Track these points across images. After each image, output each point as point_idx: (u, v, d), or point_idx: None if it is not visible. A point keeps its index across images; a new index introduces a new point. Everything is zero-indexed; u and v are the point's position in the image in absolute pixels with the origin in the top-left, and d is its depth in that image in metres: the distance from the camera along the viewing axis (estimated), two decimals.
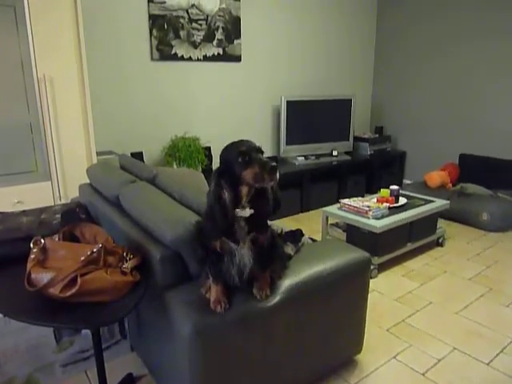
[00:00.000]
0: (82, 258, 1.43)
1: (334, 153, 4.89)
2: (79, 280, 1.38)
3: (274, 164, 1.34)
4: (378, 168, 5.12)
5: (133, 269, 1.56)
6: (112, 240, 1.62)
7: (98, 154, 3.27)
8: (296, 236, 1.96)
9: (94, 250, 1.46)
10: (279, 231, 1.81)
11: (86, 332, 2.13)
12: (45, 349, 2.12)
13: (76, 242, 1.64)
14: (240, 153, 1.37)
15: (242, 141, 1.43)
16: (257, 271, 1.55)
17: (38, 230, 2.18)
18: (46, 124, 2.87)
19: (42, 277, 1.41)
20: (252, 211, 1.43)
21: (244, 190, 1.42)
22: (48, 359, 2.07)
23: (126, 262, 1.56)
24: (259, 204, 1.44)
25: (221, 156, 1.45)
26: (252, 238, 1.48)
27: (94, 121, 3.21)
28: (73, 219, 2.14)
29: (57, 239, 1.59)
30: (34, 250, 1.50)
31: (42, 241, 1.52)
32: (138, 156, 3.64)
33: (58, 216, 2.37)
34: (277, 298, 1.60)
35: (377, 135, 5.35)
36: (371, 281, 2.92)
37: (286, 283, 1.66)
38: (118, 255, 1.56)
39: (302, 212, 4.50)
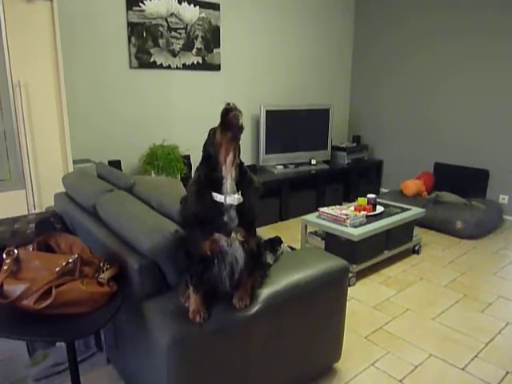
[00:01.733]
0: (57, 269, 1.40)
1: (313, 161, 4.94)
2: (54, 291, 1.35)
3: (231, 104, 1.34)
4: (355, 176, 5.19)
5: (110, 279, 1.54)
6: (88, 250, 1.59)
7: (75, 162, 3.22)
8: (274, 244, 1.97)
9: (70, 260, 1.43)
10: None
11: (61, 344, 2.07)
12: (17, 363, 2.05)
13: (51, 253, 1.60)
14: (210, 130, 1.42)
15: None
16: (243, 275, 1.55)
17: (11, 241, 2.13)
18: (20, 131, 2.81)
19: (14, 288, 1.37)
20: (241, 198, 1.43)
21: (224, 158, 1.39)
22: (21, 373, 2.00)
23: (103, 272, 1.54)
24: (245, 192, 1.45)
25: (202, 151, 1.47)
26: (243, 237, 1.47)
27: (71, 128, 3.17)
28: (47, 229, 2.10)
29: (31, 249, 1.55)
30: (7, 261, 1.46)
31: (16, 251, 1.48)
32: (116, 164, 3.60)
33: (32, 226, 2.32)
34: (256, 308, 1.59)
35: (354, 144, 5.44)
36: (349, 289, 2.95)
37: (265, 292, 1.66)
38: (95, 265, 1.53)
39: (281, 220, 4.52)
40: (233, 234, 1.45)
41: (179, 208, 1.56)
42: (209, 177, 1.42)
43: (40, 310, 1.34)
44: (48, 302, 1.34)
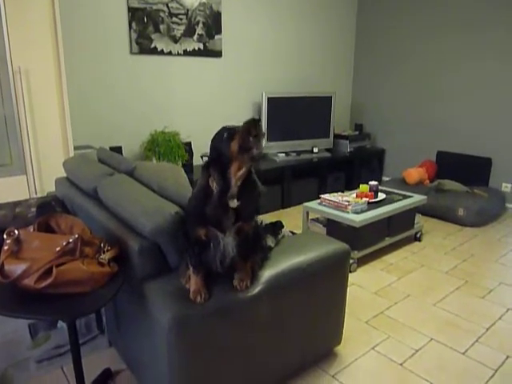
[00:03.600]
0: (58, 249, 1.40)
1: (315, 150, 4.92)
2: (54, 270, 1.35)
3: (257, 118, 1.32)
4: (357, 165, 5.17)
5: (110, 260, 1.54)
6: (89, 231, 1.59)
7: (76, 148, 3.21)
8: (276, 228, 1.96)
9: (70, 240, 1.43)
10: (259, 223, 1.81)
11: (62, 326, 2.08)
12: (19, 344, 2.06)
13: (52, 233, 1.60)
14: (224, 129, 1.38)
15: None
16: (239, 261, 1.55)
17: (13, 224, 2.13)
18: (21, 117, 2.80)
19: (15, 268, 1.37)
20: (239, 203, 1.42)
21: (234, 172, 1.38)
22: (23, 355, 2.02)
23: (104, 253, 1.54)
24: (246, 195, 1.43)
25: (211, 145, 1.44)
26: (237, 227, 1.47)
27: (72, 114, 3.16)
28: (49, 212, 2.09)
29: (31, 230, 1.55)
30: (8, 242, 1.46)
31: (16, 232, 1.48)
32: (117, 150, 3.58)
33: (33, 210, 2.33)
34: (257, 289, 1.59)
35: (356, 133, 5.41)
36: (350, 275, 2.95)
37: (266, 274, 1.66)
38: (95, 246, 1.53)
39: (282, 208, 4.51)
40: (227, 232, 1.46)
41: (188, 200, 1.56)
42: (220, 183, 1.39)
43: (40, 289, 1.34)
44: (48, 281, 1.34)
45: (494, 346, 2.20)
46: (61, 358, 2.02)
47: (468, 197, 4.06)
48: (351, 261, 2.96)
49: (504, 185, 4.42)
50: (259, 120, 1.33)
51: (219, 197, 1.39)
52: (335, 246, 1.94)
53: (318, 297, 1.86)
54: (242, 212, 1.45)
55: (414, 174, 4.46)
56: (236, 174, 1.39)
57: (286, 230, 2.12)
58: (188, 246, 1.51)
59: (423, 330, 2.34)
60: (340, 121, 5.63)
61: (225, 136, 1.36)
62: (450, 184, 4.26)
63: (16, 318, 1.32)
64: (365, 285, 2.85)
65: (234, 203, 1.42)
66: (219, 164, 1.39)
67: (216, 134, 1.42)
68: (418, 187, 4.31)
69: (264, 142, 1.35)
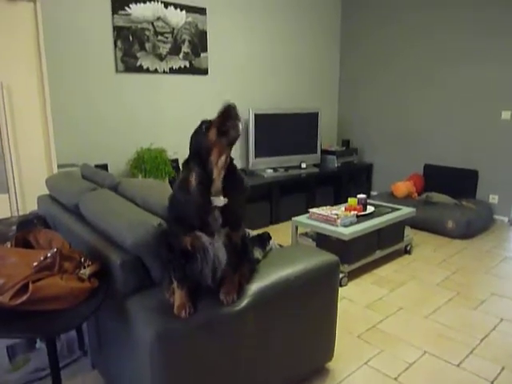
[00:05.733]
0: (35, 264, 1.35)
1: (303, 165, 4.92)
2: (31, 286, 1.29)
3: (231, 103, 1.30)
4: (345, 180, 5.17)
5: (91, 275, 1.48)
6: (68, 245, 1.53)
7: (60, 166, 3.15)
8: (263, 239, 1.92)
9: (48, 254, 1.38)
10: (247, 234, 1.77)
11: (41, 347, 1.99)
12: None
13: (30, 249, 1.54)
14: (202, 122, 1.36)
15: None
16: (227, 272, 1.50)
17: None
18: (3, 134, 2.75)
19: None
20: (226, 200, 1.37)
21: (215, 160, 1.34)
22: (0, 379, 1.92)
23: (84, 268, 1.48)
24: (232, 193, 1.39)
25: (190, 141, 1.41)
26: (227, 234, 1.42)
27: (56, 132, 3.12)
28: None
29: (9, 246, 1.49)
30: None
31: None
32: (103, 168, 3.52)
33: (14, 228, 2.25)
34: (244, 303, 1.54)
35: (344, 148, 5.43)
36: (341, 289, 2.90)
37: (254, 287, 1.61)
38: (75, 261, 1.47)
39: (271, 224, 4.47)
40: (216, 235, 1.41)
41: (168, 203, 1.50)
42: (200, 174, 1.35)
43: (16, 305, 1.28)
44: (24, 297, 1.28)
45: (488, 357, 2.16)
46: (41, 382, 1.92)
47: (456, 209, 4.06)
48: (341, 274, 2.92)
49: (491, 196, 4.44)
50: (234, 104, 1.31)
51: (202, 192, 1.33)
52: (324, 257, 1.90)
53: (308, 310, 1.81)
54: (230, 213, 1.40)
55: (402, 187, 4.47)
56: (218, 163, 1.35)
57: (273, 243, 2.08)
58: (172, 258, 1.45)
59: (416, 343, 2.29)
60: (327, 136, 5.66)
61: (203, 127, 1.35)
62: (438, 197, 4.27)
63: None
64: (356, 298, 2.80)
65: (220, 200, 1.36)
66: (199, 158, 1.35)
67: (195, 129, 1.41)
68: (406, 200, 4.31)
69: (241, 126, 1.32)
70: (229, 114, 1.30)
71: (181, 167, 1.40)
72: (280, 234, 4.09)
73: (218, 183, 1.37)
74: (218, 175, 1.36)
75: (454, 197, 4.31)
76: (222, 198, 1.37)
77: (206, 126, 1.36)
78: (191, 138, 1.40)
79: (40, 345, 2.00)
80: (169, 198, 1.48)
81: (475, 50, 4.35)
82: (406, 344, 2.28)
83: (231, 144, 1.35)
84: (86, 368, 2.04)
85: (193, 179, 1.33)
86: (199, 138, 1.37)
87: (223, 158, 1.35)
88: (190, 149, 1.40)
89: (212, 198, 1.35)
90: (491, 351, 2.21)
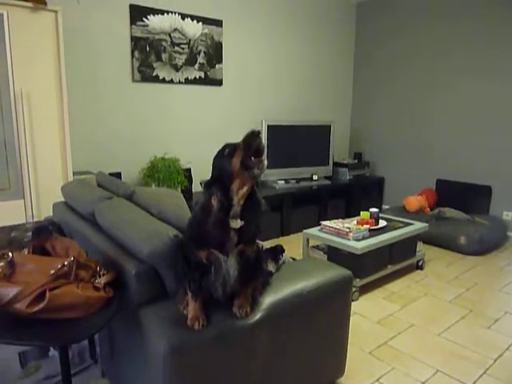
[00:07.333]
0: (52, 272, 1.36)
1: (314, 177, 4.92)
2: (48, 294, 1.30)
3: (256, 131, 1.29)
4: (357, 193, 5.15)
5: (106, 285, 1.49)
6: (85, 254, 1.55)
7: (75, 173, 3.20)
8: (276, 252, 1.92)
9: (65, 263, 1.39)
10: (260, 247, 1.77)
11: (54, 355, 2.00)
12: (9, 374, 1.97)
13: (47, 256, 1.56)
14: (225, 146, 1.36)
15: None
16: (239, 286, 1.50)
17: (8, 248, 2.08)
18: (21, 140, 2.80)
19: (7, 291, 1.32)
20: (242, 223, 1.38)
21: (236, 189, 1.35)
22: None
23: (100, 277, 1.49)
24: (249, 215, 1.40)
25: (213, 163, 1.41)
26: (240, 250, 1.43)
27: (72, 140, 3.16)
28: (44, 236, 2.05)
29: (26, 253, 1.51)
30: (1, 264, 1.42)
31: (10, 254, 1.44)
32: (117, 176, 3.56)
33: (29, 234, 2.28)
34: (257, 316, 1.54)
35: (356, 161, 5.42)
36: (353, 303, 2.88)
37: (267, 300, 1.60)
38: (91, 270, 1.48)
39: (282, 236, 4.46)
40: (230, 255, 1.42)
41: (188, 222, 1.51)
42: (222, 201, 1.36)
43: (33, 313, 1.29)
44: (41, 305, 1.29)
45: (502, 377, 2.12)
46: None
47: (469, 225, 4.02)
48: (353, 289, 2.89)
49: (505, 213, 4.39)
50: (259, 132, 1.31)
51: (221, 216, 1.35)
52: (337, 271, 1.89)
53: (321, 324, 1.80)
54: (245, 233, 1.41)
55: (414, 201, 4.44)
56: (238, 192, 1.36)
57: (286, 256, 2.07)
58: (188, 270, 1.46)
59: (428, 362, 2.25)
60: (339, 149, 5.66)
61: (226, 152, 1.35)
62: (450, 212, 4.24)
63: (6, 344, 1.26)
64: (367, 314, 2.78)
65: (237, 223, 1.37)
66: (221, 182, 1.36)
67: (218, 151, 1.41)
68: (418, 215, 4.28)
69: (266, 161, 1.32)
70: (256, 148, 1.30)
71: (202, 187, 1.40)
72: (291, 246, 4.08)
73: (236, 208, 1.38)
74: (237, 203, 1.37)
75: (466, 213, 4.27)
76: (239, 220, 1.38)
77: (229, 150, 1.35)
78: (214, 160, 1.41)
79: (53, 353, 2.01)
80: (189, 219, 1.50)
81: (488, 64, 4.34)
82: (418, 362, 2.25)
83: (257, 178, 1.35)
84: (97, 375, 2.04)
85: (214, 204, 1.35)
86: (222, 164, 1.37)
87: (245, 189, 1.37)
88: (212, 171, 1.41)
89: (230, 220, 1.37)
90: (505, 372, 2.17)
